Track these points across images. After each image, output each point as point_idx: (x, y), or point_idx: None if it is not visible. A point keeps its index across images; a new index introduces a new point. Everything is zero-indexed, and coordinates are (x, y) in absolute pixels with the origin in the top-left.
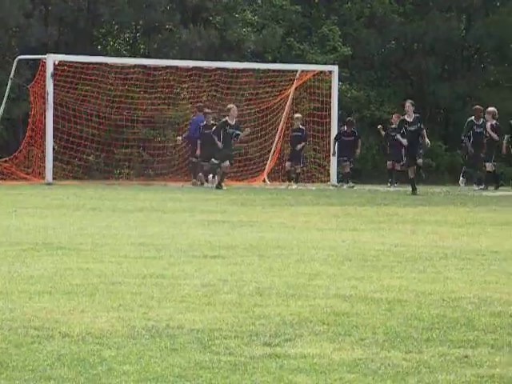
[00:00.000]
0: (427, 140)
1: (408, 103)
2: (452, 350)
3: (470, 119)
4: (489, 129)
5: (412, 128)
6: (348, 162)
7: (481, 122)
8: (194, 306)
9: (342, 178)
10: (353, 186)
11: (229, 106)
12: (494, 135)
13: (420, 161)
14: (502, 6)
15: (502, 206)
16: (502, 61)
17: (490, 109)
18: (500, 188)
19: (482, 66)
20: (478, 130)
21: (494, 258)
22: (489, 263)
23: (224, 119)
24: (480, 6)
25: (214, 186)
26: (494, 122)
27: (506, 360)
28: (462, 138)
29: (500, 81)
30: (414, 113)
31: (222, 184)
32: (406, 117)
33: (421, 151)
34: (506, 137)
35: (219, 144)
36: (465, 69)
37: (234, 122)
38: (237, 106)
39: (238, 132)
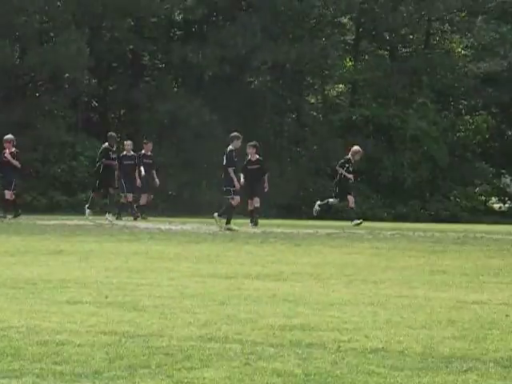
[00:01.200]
0: None
1: None
2: None
3: (230, 148)
4: (9, 156)
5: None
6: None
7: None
8: None
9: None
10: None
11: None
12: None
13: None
14: (56, 36)
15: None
16: (56, 90)
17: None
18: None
19: (36, 95)
20: (250, 167)
21: (45, 287)
22: (39, 292)
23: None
24: (34, 35)
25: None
26: (14, 149)
27: None
28: (338, 168)
29: (55, 110)
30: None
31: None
32: None
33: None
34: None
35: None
36: (19, 97)
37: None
38: None
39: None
